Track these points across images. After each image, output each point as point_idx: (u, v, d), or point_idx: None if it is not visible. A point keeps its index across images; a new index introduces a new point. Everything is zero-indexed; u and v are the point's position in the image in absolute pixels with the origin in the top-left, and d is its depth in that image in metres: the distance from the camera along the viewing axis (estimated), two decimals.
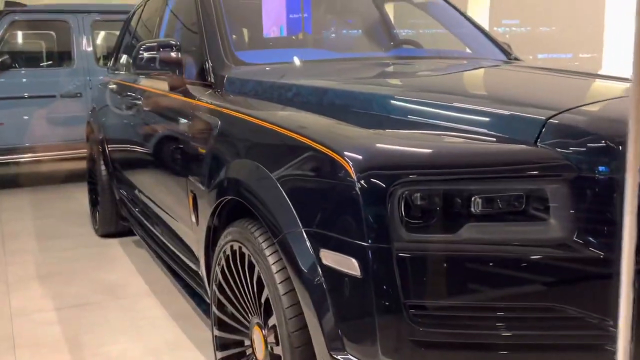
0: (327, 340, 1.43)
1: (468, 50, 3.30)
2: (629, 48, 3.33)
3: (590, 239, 1.36)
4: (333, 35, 3.15)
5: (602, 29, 3.82)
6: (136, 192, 3.47)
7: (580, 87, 1.96)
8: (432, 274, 1.37)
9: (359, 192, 1.37)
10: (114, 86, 4.05)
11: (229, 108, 2.11)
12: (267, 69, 2.43)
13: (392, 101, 1.81)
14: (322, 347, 1.45)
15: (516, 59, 3.07)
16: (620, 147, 1.36)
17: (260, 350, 1.81)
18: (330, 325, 1.43)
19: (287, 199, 1.57)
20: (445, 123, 1.62)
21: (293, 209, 1.55)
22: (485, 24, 4.68)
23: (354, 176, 1.38)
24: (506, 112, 1.56)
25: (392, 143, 1.51)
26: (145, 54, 2.63)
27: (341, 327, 1.41)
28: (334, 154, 1.45)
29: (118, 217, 4.14)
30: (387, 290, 1.35)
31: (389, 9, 3.86)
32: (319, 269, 1.45)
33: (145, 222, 3.36)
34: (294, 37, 3.03)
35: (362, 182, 1.37)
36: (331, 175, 1.45)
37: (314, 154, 1.53)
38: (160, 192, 2.91)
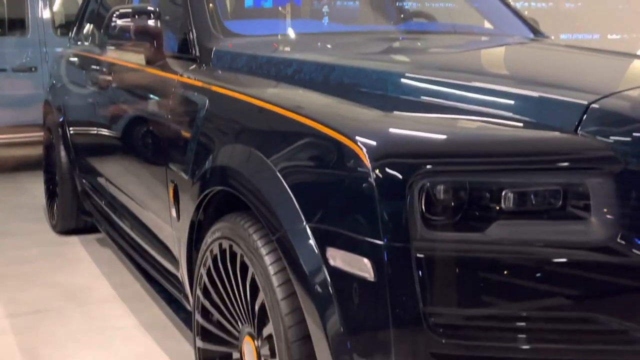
0: (333, 354, 1.44)
1: (489, 26, 3.32)
2: None
3: (636, 240, 1.37)
4: (333, 4, 3.15)
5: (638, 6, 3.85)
6: (103, 182, 3.46)
7: (623, 68, 1.98)
8: (456, 278, 1.38)
9: (373, 183, 1.37)
10: (78, 59, 4.03)
11: (217, 85, 2.11)
12: (261, 41, 2.43)
13: (406, 80, 1.82)
14: (325, 356, 1.46)
15: (545, 37, 3.10)
16: None
17: None
18: (338, 336, 1.43)
19: (289, 190, 1.57)
20: (468, 106, 1.62)
21: (295, 201, 1.55)
22: None
23: (368, 165, 1.39)
24: (541, 96, 1.57)
25: (411, 127, 1.51)
26: (119, 22, 2.62)
27: (350, 338, 1.42)
28: (344, 139, 1.46)
29: (80, 211, 4.13)
30: (405, 296, 1.36)
31: None
32: (325, 271, 1.46)
33: (113, 216, 3.35)
34: (288, 7, 3.03)
35: (378, 171, 1.37)
36: (341, 163, 1.46)
37: (320, 139, 1.54)
38: (132, 182, 2.91)
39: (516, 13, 3.24)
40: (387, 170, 1.37)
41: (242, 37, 2.48)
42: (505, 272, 1.39)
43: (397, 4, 3.44)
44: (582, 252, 1.39)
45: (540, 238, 1.39)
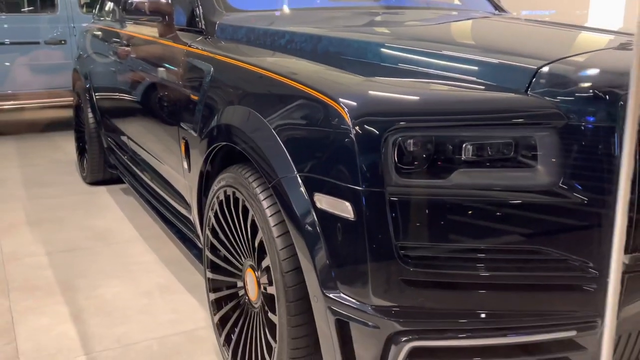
0: (321, 281, 1.47)
1: (457, 2, 3.28)
2: (615, 5, 3.30)
3: (576, 185, 1.39)
4: None
5: None
6: (125, 139, 3.45)
7: (570, 38, 1.96)
8: (422, 217, 1.39)
9: (353, 138, 1.38)
10: (100, 33, 3.96)
11: (221, 54, 2.08)
12: (259, 15, 2.39)
13: (384, 49, 1.80)
14: (315, 287, 1.48)
15: (505, 11, 3.06)
16: (608, 97, 1.38)
17: (252, 291, 1.85)
18: (324, 266, 1.46)
19: (282, 144, 1.58)
20: (437, 71, 1.62)
21: (288, 154, 1.55)
22: None
23: (349, 122, 1.39)
24: (498, 61, 1.57)
25: (386, 90, 1.51)
26: (135, 0, 2.58)
27: (334, 268, 1.44)
28: (330, 100, 1.46)
29: (106, 165, 4.12)
30: (379, 233, 1.38)
31: None
32: (313, 212, 1.47)
33: (135, 169, 3.35)
34: None
35: (357, 128, 1.38)
36: (326, 121, 1.46)
37: (308, 100, 1.53)
38: (150, 139, 2.89)
39: None
40: (365, 127, 1.38)
41: (242, 12, 2.44)
42: (465, 212, 1.40)
43: None
44: (530, 195, 1.40)
45: (495, 183, 1.40)
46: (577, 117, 1.38)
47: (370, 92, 1.49)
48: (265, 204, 1.66)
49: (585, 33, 2.08)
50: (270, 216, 1.63)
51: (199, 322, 2.43)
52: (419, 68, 1.66)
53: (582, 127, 1.38)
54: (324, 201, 1.46)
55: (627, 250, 1.41)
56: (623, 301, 1.42)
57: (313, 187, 1.48)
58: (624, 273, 1.40)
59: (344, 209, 1.41)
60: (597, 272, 1.40)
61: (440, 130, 1.39)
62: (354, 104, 1.41)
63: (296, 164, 1.53)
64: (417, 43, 1.85)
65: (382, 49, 1.80)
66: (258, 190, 1.69)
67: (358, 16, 2.52)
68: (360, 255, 1.40)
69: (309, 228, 1.48)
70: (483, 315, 1.40)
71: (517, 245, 1.42)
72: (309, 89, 1.54)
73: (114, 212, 3.82)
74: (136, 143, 3.19)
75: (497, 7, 3.08)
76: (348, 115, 1.40)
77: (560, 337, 1.43)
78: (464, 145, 1.39)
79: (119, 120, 3.55)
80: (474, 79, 1.55)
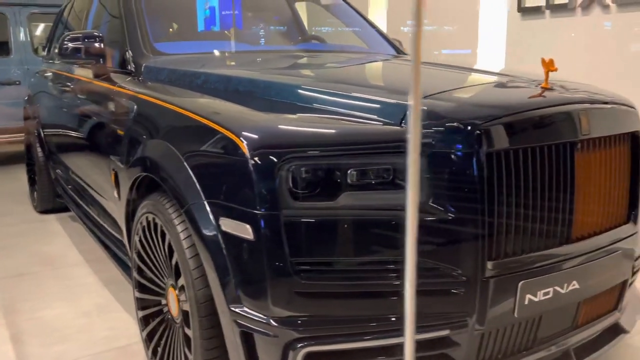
0: (227, 296, 1.44)
1: (365, 46, 3.35)
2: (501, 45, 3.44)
3: (443, 202, 1.42)
4: (249, 30, 3.09)
5: (481, 27, 3.98)
6: (69, 171, 3.32)
7: (445, 77, 2.03)
8: (314, 235, 1.39)
9: (251, 168, 1.37)
10: (47, 74, 3.82)
11: (144, 93, 2.04)
12: (182, 58, 2.36)
13: (286, 88, 1.81)
14: (222, 302, 1.45)
15: (404, 53, 3.14)
16: (469, 128, 1.42)
17: (174, 308, 1.79)
18: (229, 283, 1.43)
19: (192, 174, 1.55)
20: (331, 108, 1.63)
21: (197, 182, 1.53)
22: (383, 24, 4.75)
23: (247, 153, 1.38)
24: (379, 99, 1.60)
25: (281, 125, 1.52)
26: (70, 44, 2.50)
27: (238, 285, 1.42)
28: (231, 134, 1.44)
29: (54, 195, 3.95)
30: (276, 251, 1.36)
31: (302, 9, 3.84)
32: (219, 235, 1.45)
33: (78, 198, 3.22)
34: (211, 31, 2.96)
35: (254, 158, 1.37)
36: (229, 152, 1.44)
37: (214, 134, 1.52)
38: (88, 170, 2.79)
39: (383, 36, 3.27)
40: (261, 157, 1.37)
41: (168, 55, 2.40)
42: (350, 230, 1.41)
43: (298, 29, 3.41)
44: (405, 213, 1.42)
45: (376, 204, 1.42)
46: (443, 145, 1.42)
47: (267, 126, 1.49)
48: (179, 228, 1.62)
49: (462, 72, 2.15)
50: (184, 239, 1.60)
51: (132, 338, 2.33)
52: (315, 105, 1.66)
53: (448, 153, 1.42)
54: (228, 224, 1.43)
55: (491, 256, 1.45)
56: (489, 304, 1.46)
57: (219, 212, 1.46)
58: (488, 278, 1.45)
59: (245, 231, 1.39)
60: (465, 278, 1.43)
61: (327, 159, 1.40)
62: (252, 137, 1.41)
63: (204, 191, 1.51)
64: (315, 83, 1.86)
65: (285, 88, 1.81)
66: (173, 216, 1.65)
67: (271, 59, 2.53)
68: (260, 272, 1.38)
69: (216, 249, 1.45)
70: (368, 320, 1.41)
71: (396, 257, 1.43)
72: (214, 124, 1.53)
73: (61, 238, 3.65)
74: (77, 174, 3.08)
75: (398, 50, 3.17)
76: (246, 147, 1.39)
77: (436, 336, 1.44)
78: (348, 172, 1.40)
79: (62, 153, 3.41)
80: (360, 114, 1.57)
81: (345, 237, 1.41)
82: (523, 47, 3.61)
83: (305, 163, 1.38)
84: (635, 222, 1.79)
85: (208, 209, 1.48)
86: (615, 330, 1.91)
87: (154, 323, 1.95)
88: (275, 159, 1.36)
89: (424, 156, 1.42)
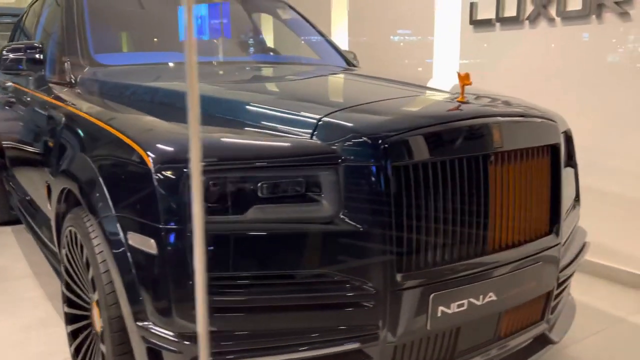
0: (134, 312, 1.41)
1: (317, 58, 3.35)
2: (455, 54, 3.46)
3: (353, 215, 1.42)
4: (198, 40, 3.07)
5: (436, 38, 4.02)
6: (17, 183, 3.26)
7: (362, 89, 2.01)
8: (223, 249, 1.38)
9: (155, 182, 1.35)
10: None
11: (72, 105, 2.02)
12: (118, 70, 2.34)
13: (208, 100, 1.78)
14: (130, 318, 1.43)
15: (354, 65, 3.16)
16: (376, 141, 1.42)
17: (97, 323, 1.76)
18: (136, 299, 1.40)
19: (104, 187, 1.53)
20: (249, 121, 1.62)
21: (108, 196, 1.51)
22: (345, 36, 4.77)
23: (152, 167, 1.36)
24: (292, 112, 1.59)
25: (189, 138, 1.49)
26: (11, 55, 2.47)
27: (144, 300, 1.39)
28: (138, 148, 1.43)
29: (9, 207, 3.88)
30: (181, 266, 1.34)
31: (269, 22, 3.84)
32: (127, 249, 1.43)
33: (24, 210, 3.17)
34: (160, 42, 2.93)
35: (159, 172, 1.35)
36: (136, 166, 1.43)
37: (124, 148, 1.50)
38: (31, 182, 2.75)
39: (336, 49, 3.28)
40: (165, 172, 1.35)
41: (106, 66, 2.37)
42: (261, 243, 1.40)
43: (254, 41, 3.40)
44: (316, 226, 1.42)
45: (287, 217, 1.41)
46: (352, 158, 1.42)
47: (174, 140, 1.46)
48: (94, 242, 1.59)
49: (384, 85, 2.12)
50: (98, 253, 1.57)
51: (68, 354, 2.28)
52: (233, 117, 1.65)
53: (357, 167, 1.41)
54: (135, 239, 1.41)
55: (400, 269, 1.44)
56: (401, 316, 1.45)
57: (127, 226, 1.44)
58: (398, 290, 1.45)
59: (150, 246, 1.37)
60: (375, 290, 1.42)
61: (237, 172, 1.39)
62: (157, 151, 1.39)
63: (114, 205, 1.48)
64: (238, 95, 1.85)
65: (205, 100, 1.78)
66: (90, 229, 1.62)
67: (209, 70, 2.48)
68: (165, 288, 1.36)
69: (124, 264, 1.43)
70: (277, 335, 1.39)
71: (307, 270, 1.42)
72: (125, 137, 1.51)
73: (13, 250, 3.58)
74: (23, 186, 3.03)
75: (348, 62, 3.18)
76: (151, 161, 1.37)
77: (347, 349, 1.43)
78: (258, 185, 1.39)
79: (12, 165, 3.36)
80: (274, 126, 1.56)
81: (254, 251, 1.40)
82: (476, 59, 3.65)
83: (213, 177, 1.36)
84: (557, 233, 1.81)
85: (117, 222, 1.46)
86: (543, 341, 1.92)
87: (80, 338, 1.92)
88: (179, 173, 1.34)
89: (334, 169, 1.42)
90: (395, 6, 4.30)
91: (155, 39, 2.83)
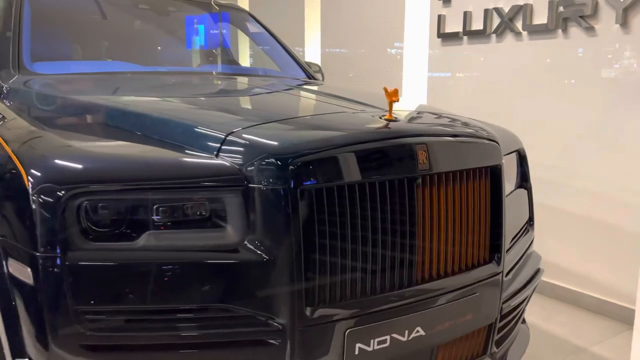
0: (11, 347, 1.27)
1: (278, 70, 3.23)
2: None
3: (258, 243, 1.28)
4: (150, 49, 2.94)
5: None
6: None
7: (282, 105, 1.86)
8: (106, 281, 1.24)
9: (33, 205, 1.21)
10: None
11: None
12: (52, 79, 2.19)
13: (110, 112, 1.66)
14: (7, 351, 1.28)
15: (314, 78, 3.04)
16: (282, 162, 1.28)
17: None
18: (13, 332, 1.26)
19: None
20: (158, 136, 1.47)
21: None
22: (317, 46, 4.67)
23: (30, 189, 1.22)
24: (199, 128, 1.45)
25: (75, 156, 1.33)
26: None
27: (21, 334, 1.25)
28: (20, 167, 1.29)
29: None
30: (57, 298, 1.20)
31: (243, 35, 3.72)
32: (7, 277, 1.28)
33: None
34: (108, 50, 2.79)
35: (36, 195, 1.21)
36: (17, 188, 1.28)
37: (11, 167, 1.35)
38: None
39: (297, 62, 3.16)
40: (43, 195, 1.21)
41: (38, 75, 2.22)
42: (152, 274, 1.26)
43: (210, 52, 3.27)
44: (217, 254, 1.28)
45: (184, 244, 1.27)
46: (258, 180, 1.28)
47: (57, 160, 1.30)
48: None
49: (308, 99, 1.98)
50: None
51: None
52: (141, 132, 1.51)
53: (263, 190, 1.28)
54: (14, 266, 1.27)
55: (311, 303, 1.31)
56: (311, 355, 1.31)
57: (7, 252, 1.30)
58: (308, 326, 1.31)
59: (26, 274, 1.23)
60: (281, 327, 1.29)
61: (126, 194, 1.25)
62: (36, 172, 1.24)
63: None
64: (151, 107, 1.69)
65: (108, 111, 1.66)
66: None
67: (138, 80, 2.31)
68: (40, 322, 1.22)
69: (3, 293, 1.29)
70: None
71: (205, 304, 1.28)
72: (14, 156, 1.37)
73: None
74: None
75: (309, 75, 3.06)
76: (30, 183, 1.23)
77: None
78: (154, 207, 1.25)
79: None
80: (181, 143, 1.42)
81: (145, 283, 1.26)
82: (444, 72, 3.54)
83: (98, 199, 1.23)
84: (499, 261, 1.67)
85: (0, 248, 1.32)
86: None
87: None
88: (57, 196, 1.20)
89: (238, 192, 1.28)
90: (366, 17, 4.20)
91: (104, 48, 2.70)
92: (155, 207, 1.26)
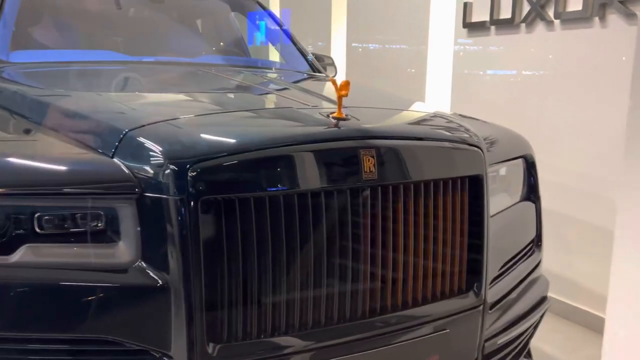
0: None
1: (283, 62, 3.00)
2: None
3: (153, 265, 1.06)
4: (143, 38, 2.76)
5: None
6: None
7: (234, 100, 1.60)
8: None
9: None
10: None
11: None
12: (26, 69, 2.05)
13: (30, 103, 1.48)
14: None
15: (319, 71, 2.78)
16: (180, 167, 1.04)
17: None
18: None
19: None
20: (62, 132, 1.26)
21: None
22: (343, 38, 4.40)
23: None
24: (105, 123, 1.23)
25: None
26: None
27: None
28: None
29: None
30: None
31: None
32: None
33: None
34: (93, 39, 2.61)
35: None
36: None
37: None
38: None
39: (304, 55, 2.91)
40: None
41: (15, 64, 2.08)
42: (28, 296, 1.06)
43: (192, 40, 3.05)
44: (105, 275, 1.07)
45: (65, 261, 1.06)
46: (153, 189, 1.06)
47: None
48: None
49: (278, 95, 1.71)
50: None
51: None
52: (52, 126, 1.30)
53: (157, 200, 1.05)
54: None
55: (215, 338, 1.07)
56: None
57: None
58: None
59: None
60: None
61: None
62: None
63: None
64: (56, 98, 1.50)
65: (28, 102, 1.48)
66: None
67: (111, 72, 2.12)
68: None
69: None
70: None
71: (87, 335, 1.07)
72: None
73: None
74: None
75: (314, 68, 2.80)
76: None
77: None
78: (29, 218, 1.05)
79: None
80: (83, 140, 1.20)
81: (19, 306, 1.06)
82: (470, 63, 3.19)
83: None
84: (478, 291, 1.37)
85: None
86: None
87: None
88: None
89: (130, 202, 1.06)
90: (392, 9, 3.89)
91: (89, 36, 2.55)
92: (35, 216, 1.05)
